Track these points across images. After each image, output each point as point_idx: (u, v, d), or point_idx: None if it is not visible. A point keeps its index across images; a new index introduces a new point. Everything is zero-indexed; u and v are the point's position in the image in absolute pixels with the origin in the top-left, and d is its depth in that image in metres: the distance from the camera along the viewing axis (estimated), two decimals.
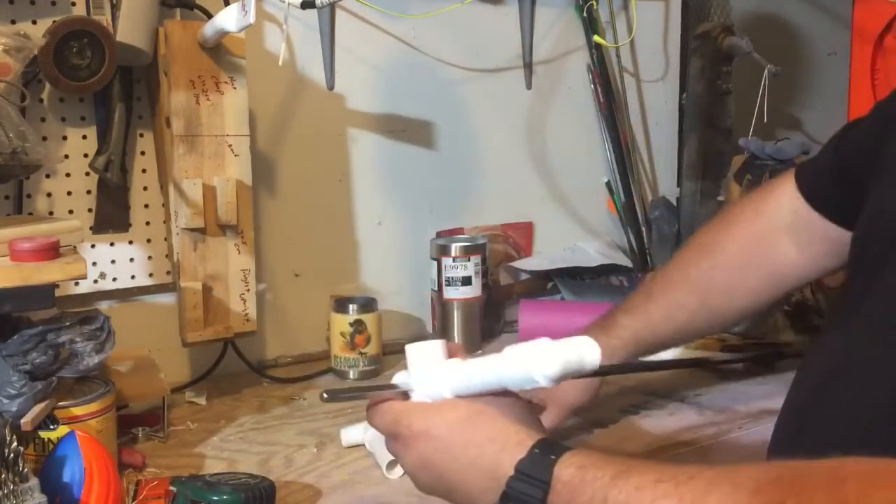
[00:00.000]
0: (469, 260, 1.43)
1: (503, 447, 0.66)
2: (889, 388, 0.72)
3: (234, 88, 1.20)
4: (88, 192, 1.23)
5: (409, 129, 1.51)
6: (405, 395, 0.75)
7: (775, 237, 1.00)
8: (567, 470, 0.62)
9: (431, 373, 0.73)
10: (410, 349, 0.75)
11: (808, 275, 1.02)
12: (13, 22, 1.14)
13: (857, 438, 0.73)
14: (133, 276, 1.27)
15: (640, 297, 1.07)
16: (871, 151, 0.85)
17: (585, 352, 0.67)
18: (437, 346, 0.74)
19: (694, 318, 1.05)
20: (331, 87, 1.30)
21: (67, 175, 1.21)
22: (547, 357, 0.66)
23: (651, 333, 1.04)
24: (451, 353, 0.75)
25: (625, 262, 1.66)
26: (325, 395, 0.76)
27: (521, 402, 0.73)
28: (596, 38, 1.64)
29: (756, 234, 1.02)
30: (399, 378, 0.76)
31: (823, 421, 0.78)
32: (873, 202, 0.83)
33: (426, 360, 0.74)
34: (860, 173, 0.86)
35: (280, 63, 1.16)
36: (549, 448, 0.64)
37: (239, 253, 1.22)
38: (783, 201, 1.00)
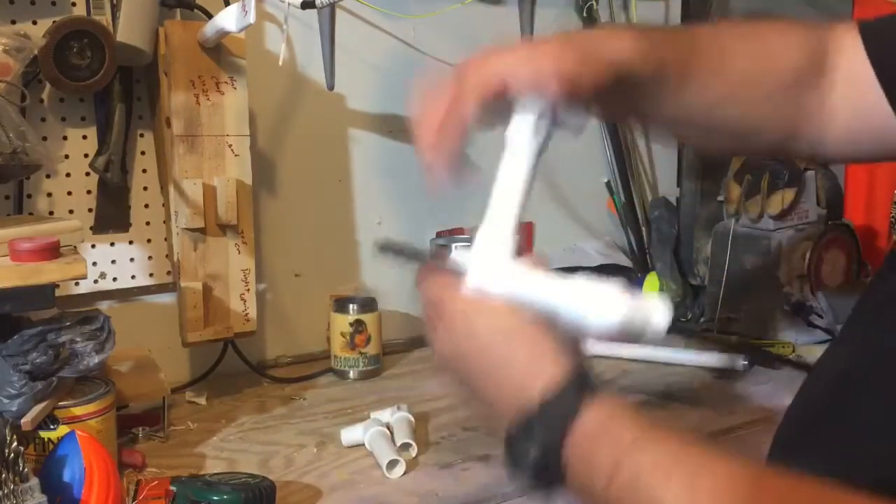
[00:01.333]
0: None
1: (539, 374, 0.61)
2: None
3: (235, 88, 1.20)
4: (89, 192, 1.23)
5: (409, 129, 1.51)
6: (458, 274, 0.69)
7: (823, 80, 0.78)
8: (593, 416, 0.59)
9: (492, 266, 0.68)
10: (480, 232, 0.70)
11: (823, 142, 0.80)
12: (13, 22, 1.14)
13: (870, 451, 0.71)
14: (133, 276, 1.27)
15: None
16: None
17: (653, 313, 0.61)
18: (508, 237, 0.69)
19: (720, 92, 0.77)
20: (331, 87, 1.30)
21: (68, 175, 1.21)
22: (610, 307, 0.60)
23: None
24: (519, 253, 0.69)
25: (625, 262, 1.66)
26: (378, 245, 0.73)
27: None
28: None
29: (807, 57, 0.79)
30: (459, 254, 0.71)
31: (834, 431, 0.74)
32: None
33: (492, 249, 0.69)
34: None
35: (280, 63, 1.16)
36: (581, 382, 0.60)
37: (239, 253, 1.22)
38: (846, 48, 0.78)
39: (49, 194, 1.20)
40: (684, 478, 0.54)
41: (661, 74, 0.73)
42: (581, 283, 0.64)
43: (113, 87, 1.19)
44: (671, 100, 0.75)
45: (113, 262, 1.26)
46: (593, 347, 1.28)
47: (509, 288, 0.67)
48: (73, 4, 1.17)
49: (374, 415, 1.11)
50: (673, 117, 0.79)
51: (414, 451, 1.03)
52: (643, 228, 1.71)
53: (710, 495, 0.53)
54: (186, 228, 1.18)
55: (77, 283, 1.21)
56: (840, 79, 0.79)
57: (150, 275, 1.28)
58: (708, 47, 0.76)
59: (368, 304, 1.35)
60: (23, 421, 0.88)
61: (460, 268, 0.69)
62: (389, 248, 0.73)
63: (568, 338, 0.64)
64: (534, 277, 0.67)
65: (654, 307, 0.62)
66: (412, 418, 1.09)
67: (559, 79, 0.69)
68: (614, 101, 0.74)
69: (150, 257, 1.28)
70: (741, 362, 1.33)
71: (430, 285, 0.70)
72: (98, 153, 1.21)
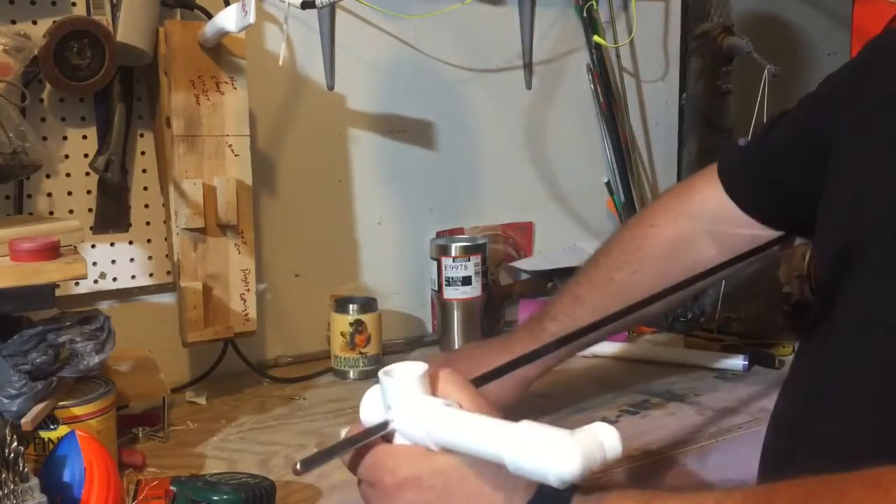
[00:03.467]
0: (469, 260, 1.43)
1: (513, 492, 0.59)
2: (877, 396, 0.72)
3: (235, 88, 1.20)
4: (89, 192, 1.23)
5: (409, 130, 1.51)
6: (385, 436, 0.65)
7: (695, 240, 1.01)
8: None
9: (410, 416, 0.62)
10: (386, 380, 0.63)
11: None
12: (13, 22, 1.14)
13: (852, 448, 0.73)
14: (133, 276, 1.27)
15: (567, 301, 1.04)
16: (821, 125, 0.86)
17: (605, 440, 0.56)
18: (416, 375, 0.62)
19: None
20: (331, 87, 1.30)
21: (68, 175, 1.21)
22: (565, 454, 0.54)
23: (578, 339, 0.94)
24: (445, 386, 0.64)
25: None
26: (298, 468, 0.63)
27: None
28: (596, 38, 1.64)
29: (676, 238, 1.02)
30: (369, 406, 0.67)
31: (818, 432, 0.78)
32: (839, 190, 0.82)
33: (405, 395, 0.63)
34: (799, 161, 0.88)
35: (280, 63, 1.16)
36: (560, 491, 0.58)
37: (239, 253, 1.22)
38: (707, 196, 1.00)
39: (49, 194, 1.20)
40: None
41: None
42: (525, 431, 0.57)
43: (113, 87, 1.19)
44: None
45: (113, 262, 1.26)
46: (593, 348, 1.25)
47: (439, 440, 0.62)
48: (73, 4, 1.17)
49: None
50: None
51: None
52: None
53: None
54: (186, 228, 1.18)
55: (77, 283, 1.21)
56: (708, 224, 0.99)
57: (150, 275, 1.28)
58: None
59: (368, 304, 1.35)
60: (23, 421, 0.87)
61: (387, 427, 0.64)
62: (310, 465, 0.63)
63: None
64: (466, 428, 0.60)
65: (602, 434, 0.56)
66: None
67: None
68: None
69: (150, 257, 1.28)
70: (741, 362, 1.33)
71: (365, 468, 0.66)
72: (98, 153, 1.21)
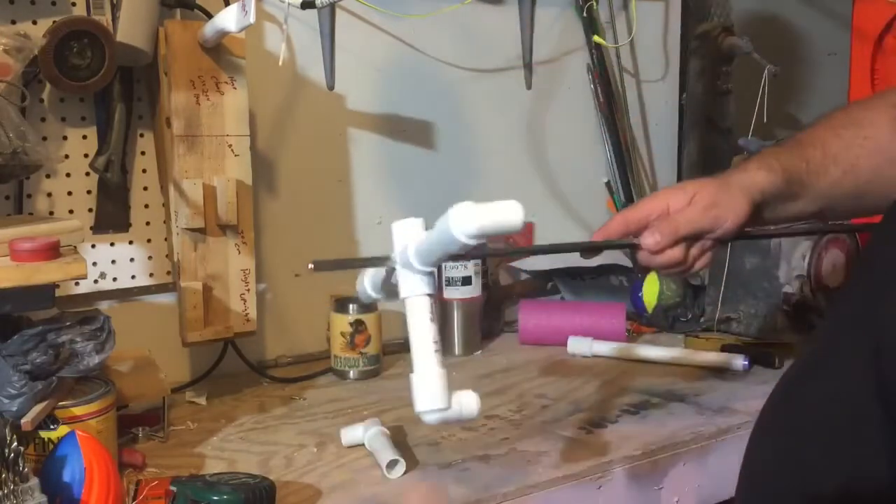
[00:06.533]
0: (469, 260, 1.43)
1: None
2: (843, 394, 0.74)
3: (234, 88, 1.20)
4: (89, 192, 1.23)
5: (409, 129, 1.51)
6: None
7: None
8: None
9: (406, 249, 0.80)
10: (395, 226, 0.83)
11: None
12: (13, 22, 1.14)
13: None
14: (133, 276, 1.27)
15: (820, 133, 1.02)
16: None
17: (507, 214, 0.69)
18: (417, 222, 0.82)
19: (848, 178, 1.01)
20: (331, 87, 1.30)
21: (68, 175, 1.21)
22: (467, 216, 0.69)
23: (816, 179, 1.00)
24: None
25: (625, 262, 1.66)
26: (311, 265, 0.83)
27: None
28: (596, 38, 1.64)
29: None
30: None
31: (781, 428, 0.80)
32: None
33: (406, 236, 0.81)
34: None
35: (280, 63, 1.16)
36: None
37: (239, 253, 1.22)
38: None
39: (49, 194, 1.20)
40: None
41: (786, 192, 1.00)
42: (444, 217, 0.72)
43: (113, 87, 1.19)
44: (791, 204, 1.02)
45: (113, 262, 1.26)
46: (593, 348, 1.28)
47: (419, 258, 0.79)
48: (73, 4, 1.17)
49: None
50: (798, 214, 1.05)
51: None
52: None
53: None
54: (186, 228, 1.18)
55: (77, 283, 1.21)
56: None
57: (150, 275, 1.28)
58: (813, 154, 1.00)
59: (368, 305, 1.35)
60: (23, 421, 0.87)
61: (391, 263, 0.85)
62: (322, 266, 0.86)
63: None
64: (426, 236, 0.79)
65: (506, 208, 0.69)
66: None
67: (735, 226, 0.97)
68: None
69: (150, 257, 1.28)
70: (741, 362, 1.33)
71: None
72: (98, 153, 1.21)
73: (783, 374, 0.86)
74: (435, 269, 0.82)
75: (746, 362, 1.32)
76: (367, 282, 0.93)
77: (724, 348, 1.40)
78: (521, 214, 0.69)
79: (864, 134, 0.99)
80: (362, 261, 0.86)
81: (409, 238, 0.81)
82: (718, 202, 0.98)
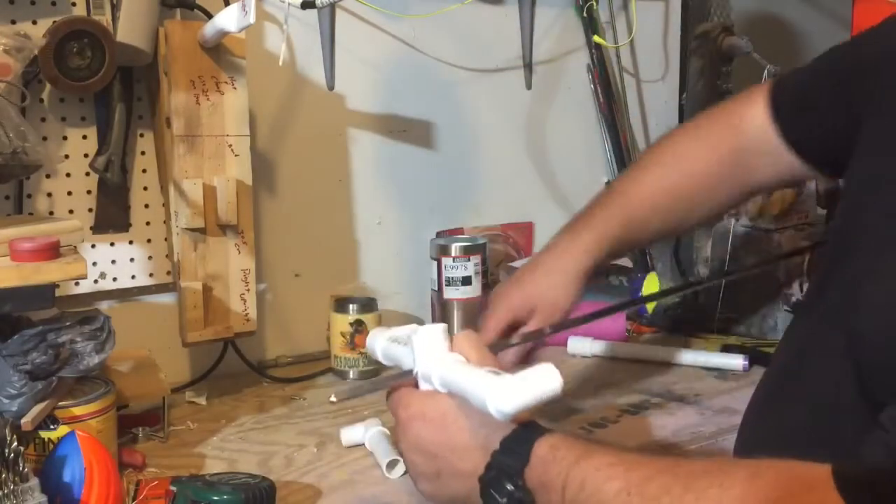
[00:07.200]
0: (469, 260, 1.43)
1: (494, 429, 0.72)
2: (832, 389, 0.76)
3: (234, 88, 1.20)
4: (89, 192, 1.23)
5: (409, 130, 1.51)
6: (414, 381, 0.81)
7: (749, 159, 1.00)
8: (542, 448, 0.69)
9: (427, 364, 0.77)
10: (414, 338, 0.79)
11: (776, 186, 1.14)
12: (13, 22, 1.14)
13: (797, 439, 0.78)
14: (133, 276, 1.27)
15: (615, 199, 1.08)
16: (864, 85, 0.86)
17: (546, 383, 0.68)
18: (438, 333, 0.78)
19: (667, 220, 1.07)
20: (331, 87, 1.30)
21: (68, 175, 1.21)
22: (504, 393, 0.67)
23: (628, 232, 1.05)
24: (460, 343, 0.78)
25: (625, 262, 1.66)
26: (333, 399, 0.85)
27: None
28: (596, 38, 1.64)
29: (731, 151, 1.02)
30: (393, 347, 0.85)
31: (770, 426, 0.82)
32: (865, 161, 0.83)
33: (428, 348, 0.78)
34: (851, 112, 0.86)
35: (280, 63, 1.16)
36: (531, 429, 0.72)
37: (239, 253, 1.22)
38: (756, 123, 0.99)
39: (49, 194, 1.20)
40: (621, 473, 0.65)
41: (616, 254, 1.07)
42: (479, 377, 0.70)
43: (113, 87, 1.19)
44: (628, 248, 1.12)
45: (113, 262, 1.26)
46: (593, 348, 1.28)
47: (443, 383, 0.76)
48: (73, 4, 1.17)
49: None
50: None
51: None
52: None
53: (640, 481, 0.64)
54: (186, 228, 1.18)
55: (77, 283, 1.21)
56: (758, 160, 1.00)
57: (150, 275, 1.28)
58: (633, 216, 1.05)
59: (368, 304, 1.35)
60: (23, 421, 0.87)
61: (413, 375, 0.80)
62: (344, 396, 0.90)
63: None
64: (456, 374, 0.75)
65: (544, 375, 0.68)
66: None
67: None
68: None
69: (150, 257, 1.28)
70: (741, 362, 1.33)
71: (391, 403, 0.82)
72: (98, 153, 1.21)
73: (760, 382, 0.89)
74: None
75: (746, 362, 1.33)
76: (379, 350, 0.88)
77: (724, 348, 1.40)
78: (559, 380, 0.68)
79: (688, 172, 1.04)
80: (387, 380, 0.85)
81: (432, 350, 0.78)
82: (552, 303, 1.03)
